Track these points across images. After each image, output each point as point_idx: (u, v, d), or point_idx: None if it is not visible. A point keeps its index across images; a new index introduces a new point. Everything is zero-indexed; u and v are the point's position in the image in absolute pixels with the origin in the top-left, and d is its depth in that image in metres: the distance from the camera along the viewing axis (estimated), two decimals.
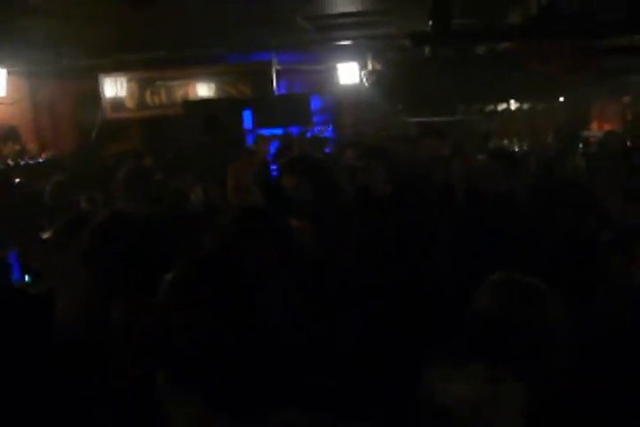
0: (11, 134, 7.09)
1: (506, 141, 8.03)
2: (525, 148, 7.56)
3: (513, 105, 8.18)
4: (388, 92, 7.63)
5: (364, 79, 7.98)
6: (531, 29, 4.82)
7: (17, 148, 7.07)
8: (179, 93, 7.89)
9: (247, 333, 1.13)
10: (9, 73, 6.80)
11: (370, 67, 7.86)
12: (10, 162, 6.79)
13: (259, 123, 7.89)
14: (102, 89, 7.83)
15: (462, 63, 6.48)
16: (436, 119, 7.68)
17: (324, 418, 1.16)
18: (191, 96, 7.83)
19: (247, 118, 7.71)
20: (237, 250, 1.94)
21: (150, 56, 7.14)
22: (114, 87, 7.83)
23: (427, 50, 6.29)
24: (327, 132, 8.65)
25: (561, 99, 8.20)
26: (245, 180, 2.92)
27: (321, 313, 2.07)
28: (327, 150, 6.73)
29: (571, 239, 3.02)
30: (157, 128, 7.99)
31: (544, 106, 8.48)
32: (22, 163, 6.97)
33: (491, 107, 7.99)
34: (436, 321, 2.11)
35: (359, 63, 7.94)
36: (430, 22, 4.58)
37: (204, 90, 7.91)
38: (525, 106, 8.24)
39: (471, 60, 6.64)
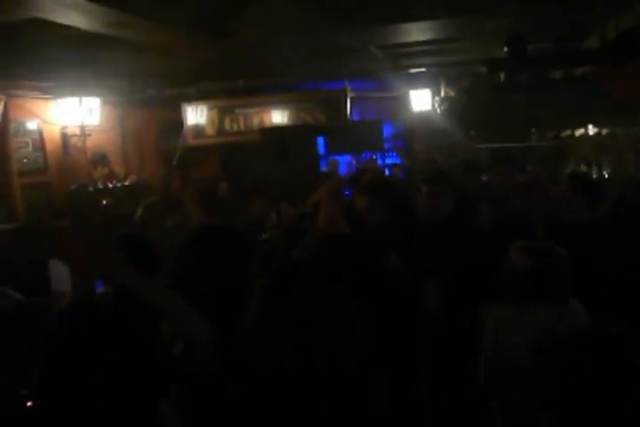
0: (101, 159, 7.58)
1: (584, 167, 7.79)
2: (605, 174, 7.31)
3: (591, 130, 7.95)
4: (461, 118, 7.63)
5: (437, 106, 8.01)
6: (610, 53, 4.74)
7: (106, 171, 7.55)
8: (256, 120, 8.17)
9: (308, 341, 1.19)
10: (102, 102, 7.31)
11: (442, 93, 7.89)
12: (100, 185, 7.26)
13: (331, 149, 8.06)
14: (185, 117, 8.25)
15: (538, 88, 6.41)
16: (509, 145, 7.58)
17: None
18: (267, 123, 8.09)
19: (320, 144, 7.89)
20: (315, 270, 2.03)
21: (230, 85, 7.51)
22: (195, 115, 8.23)
23: (501, 76, 6.27)
24: (394, 157, 8.73)
25: None
26: (334, 208, 3.02)
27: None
28: (401, 176, 6.79)
29: None
30: (235, 154, 8.31)
31: (624, 131, 8.19)
32: (110, 186, 7.43)
33: (567, 132, 7.80)
34: None
35: (432, 90, 7.99)
36: (505, 48, 4.59)
37: (279, 117, 8.17)
38: (604, 131, 7.99)
39: (547, 85, 6.56)
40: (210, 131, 8.28)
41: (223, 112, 8.24)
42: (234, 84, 7.42)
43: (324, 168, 7.69)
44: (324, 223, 2.83)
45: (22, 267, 4.41)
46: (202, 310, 1.63)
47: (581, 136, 7.96)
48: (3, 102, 6.12)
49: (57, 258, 1.65)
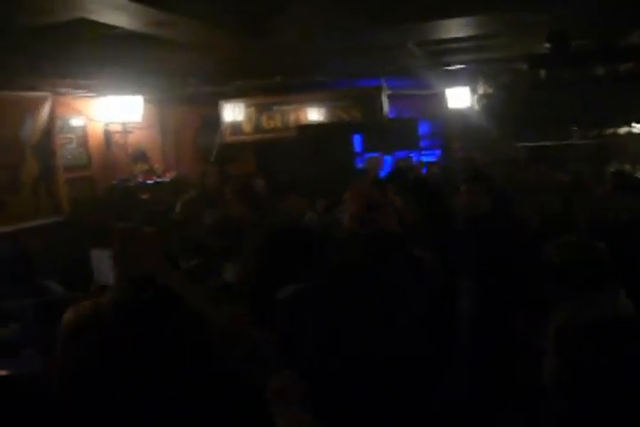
0: (141, 156, 7.75)
1: (628, 167, 7.58)
2: None
3: (637, 128, 7.73)
4: (499, 115, 7.51)
5: (475, 103, 7.91)
6: None
7: (146, 168, 7.71)
8: (292, 118, 8.22)
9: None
10: (143, 100, 7.46)
11: (481, 91, 7.78)
12: (140, 180, 7.42)
13: (367, 146, 8.04)
14: (222, 114, 8.36)
15: (579, 85, 6.27)
16: (549, 143, 7.44)
17: None
18: (303, 120, 8.13)
19: (357, 142, 7.88)
20: (369, 267, 2.10)
21: (268, 83, 7.57)
22: (233, 112, 8.32)
23: (542, 72, 6.16)
24: (432, 155, 8.63)
25: None
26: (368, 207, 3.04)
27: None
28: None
29: None
30: (271, 151, 8.38)
31: None
32: (150, 181, 7.59)
33: (610, 130, 7.61)
34: None
35: (470, 87, 7.89)
36: (547, 44, 4.50)
37: (315, 114, 8.19)
38: None
39: (589, 81, 6.42)
40: (247, 128, 8.36)
41: (260, 109, 8.31)
42: (271, 81, 7.48)
43: (360, 166, 7.68)
44: (350, 222, 2.87)
45: (66, 261, 4.56)
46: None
47: (626, 134, 7.75)
48: (49, 100, 6.31)
49: (116, 262, 1.65)
